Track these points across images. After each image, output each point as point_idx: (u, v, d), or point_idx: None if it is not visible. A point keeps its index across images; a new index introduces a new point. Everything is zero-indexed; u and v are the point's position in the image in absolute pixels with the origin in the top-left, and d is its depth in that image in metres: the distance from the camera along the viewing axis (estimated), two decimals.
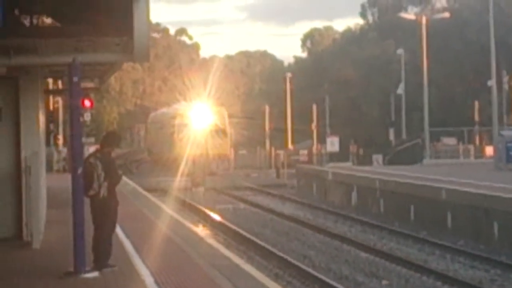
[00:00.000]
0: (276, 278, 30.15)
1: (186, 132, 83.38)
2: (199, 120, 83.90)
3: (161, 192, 69.62)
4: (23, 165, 28.69)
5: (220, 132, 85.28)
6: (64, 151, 69.07)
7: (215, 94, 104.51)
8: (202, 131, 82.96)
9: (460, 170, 63.58)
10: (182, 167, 76.00)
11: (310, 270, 33.83)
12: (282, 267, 35.24)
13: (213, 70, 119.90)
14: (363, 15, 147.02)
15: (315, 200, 67.01)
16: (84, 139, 26.95)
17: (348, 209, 59.70)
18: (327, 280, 31.43)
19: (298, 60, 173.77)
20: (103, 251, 22.89)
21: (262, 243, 41.59)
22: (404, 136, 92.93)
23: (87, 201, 22.62)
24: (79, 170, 22.33)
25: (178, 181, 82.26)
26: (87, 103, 54.97)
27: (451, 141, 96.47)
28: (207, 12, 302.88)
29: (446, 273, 33.44)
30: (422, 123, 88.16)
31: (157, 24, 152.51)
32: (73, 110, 24.41)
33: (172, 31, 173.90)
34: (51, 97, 56.51)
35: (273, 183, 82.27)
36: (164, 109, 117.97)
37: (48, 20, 30.45)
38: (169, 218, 38.55)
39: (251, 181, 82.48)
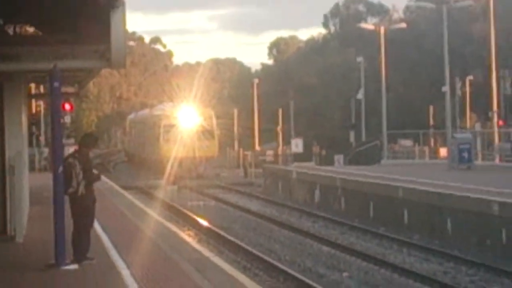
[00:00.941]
0: (244, 270, 30.53)
1: (173, 133, 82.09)
2: (186, 121, 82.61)
3: (137, 190, 71.04)
4: (7, 165, 29.70)
5: (207, 133, 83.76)
6: (45, 151, 69.21)
7: (187, 97, 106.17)
8: (189, 132, 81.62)
9: (415, 170, 64.87)
10: (168, 169, 75.97)
11: (276, 263, 34.74)
12: (249, 260, 36.10)
13: (185, 76, 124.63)
14: (325, 25, 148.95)
15: (281, 198, 67.92)
16: (64, 140, 28.05)
17: (311, 206, 60.78)
18: (292, 272, 32.29)
19: (265, 67, 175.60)
20: (82, 245, 23.65)
21: (231, 238, 42.55)
22: (363, 138, 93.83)
23: (66, 198, 23.44)
24: (60, 169, 23.18)
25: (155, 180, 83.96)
26: (67, 106, 55.72)
27: (407, 143, 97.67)
28: (181, 22, 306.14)
29: (402, 265, 34.46)
30: (381, 126, 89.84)
31: (133, 33, 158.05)
32: (54, 113, 25.52)
33: (147, 40, 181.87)
34: (33, 101, 55.89)
35: (241, 182, 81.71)
36: (145, 111, 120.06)
37: (30, 29, 31.03)
38: (144, 215, 39.35)
39: (221, 180, 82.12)
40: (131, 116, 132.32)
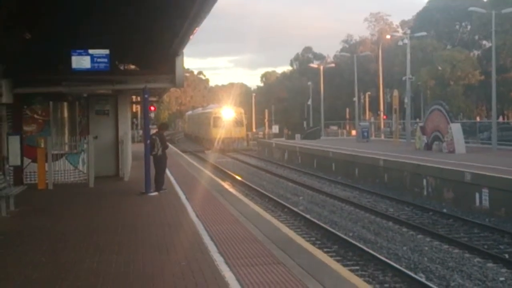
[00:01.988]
0: (245, 195, 29.54)
1: (219, 122, 77.53)
2: (227, 115, 78.50)
3: (189, 153, 67.15)
4: (119, 139, 29.74)
5: (239, 123, 79.07)
6: (140, 132, 67.48)
7: (220, 102, 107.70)
8: (228, 122, 77.33)
9: (338, 142, 60.34)
10: (215, 144, 74.86)
11: (263, 191, 34.78)
12: (249, 190, 35.94)
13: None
14: (291, 65, 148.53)
15: (266, 157, 65.76)
16: (150, 126, 27.97)
17: (283, 162, 58.83)
18: (272, 196, 32.70)
19: (258, 87, 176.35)
20: (159, 181, 23.61)
21: (238, 178, 42.62)
22: (311, 125, 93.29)
23: (151, 157, 23.43)
24: (148, 141, 23.40)
25: (200, 148, 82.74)
26: (152, 108, 50.82)
27: (334, 128, 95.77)
28: (213, 62, 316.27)
29: (331, 193, 34.22)
30: (320, 119, 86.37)
31: (187, 69, 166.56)
32: (145, 112, 25.73)
33: (195, 72, 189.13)
34: (134, 105, 54.26)
35: (245, 149, 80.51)
36: (199, 109, 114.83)
37: (132, 66, 30.75)
38: (191, 165, 38.98)
39: (233, 148, 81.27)
40: (189, 113, 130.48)
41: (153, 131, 25.99)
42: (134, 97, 42.17)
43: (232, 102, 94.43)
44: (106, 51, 23.31)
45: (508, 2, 71.71)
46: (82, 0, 18.12)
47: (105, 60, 23.29)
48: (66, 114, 28.97)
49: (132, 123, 55.84)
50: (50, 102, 28.05)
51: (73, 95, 28.07)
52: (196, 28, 17.57)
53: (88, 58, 23.11)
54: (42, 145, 25.82)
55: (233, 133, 77.34)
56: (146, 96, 24.33)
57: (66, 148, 27.92)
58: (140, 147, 28.47)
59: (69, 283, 10.98)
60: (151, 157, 23.60)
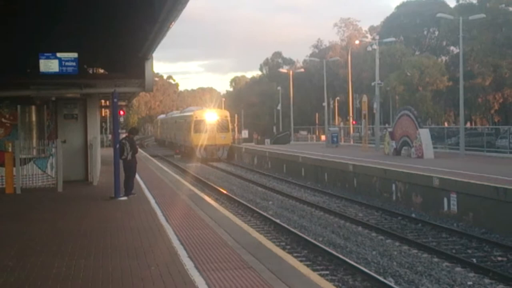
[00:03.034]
0: (216, 200, 30.13)
1: (201, 127, 66.78)
2: (210, 119, 67.61)
3: (159, 157, 66.63)
4: (88, 143, 29.55)
5: (224, 128, 67.65)
6: (109, 136, 66.04)
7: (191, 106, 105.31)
8: (211, 127, 66.67)
9: (308, 147, 61.63)
10: (197, 152, 65.71)
11: (233, 196, 34.81)
12: (218, 195, 36.02)
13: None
14: (261, 70, 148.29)
15: (236, 162, 65.72)
16: (119, 131, 27.65)
17: (252, 166, 58.91)
18: (241, 201, 32.66)
19: (228, 92, 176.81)
20: (129, 186, 23.64)
21: (209, 183, 42.09)
22: (280, 129, 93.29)
23: (121, 161, 23.47)
24: (117, 146, 23.36)
25: (169, 152, 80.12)
26: (121, 112, 50.91)
27: (304, 133, 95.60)
28: (184, 67, 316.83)
29: (301, 198, 34.35)
30: (290, 124, 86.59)
31: (157, 73, 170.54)
32: (114, 116, 25.28)
33: (165, 76, 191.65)
34: (103, 109, 53.88)
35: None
36: (174, 113, 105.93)
37: (101, 70, 30.03)
38: (161, 170, 38.76)
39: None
40: (161, 116, 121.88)
41: (123, 135, 25.97)
42: (103, 101, 42.22)
43: (206, 107, 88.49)
44: (74, 55, 23.14)
45: (475, 8, 72.52)
46: (50, 3, 18.03)
47: (74, 63, 23.13)
48: (34, 118, 28.72)
49: (101, 127, 55.43)
50: (18, 106, 27.89)
51: (41, 99, 27.89)
52: (172, 23, 17.42)
53: (56, 62, 22.94)
54: (10, 149, 25.80)
55: (217, 139, 67.24)
56: (115, 100, 24.14)
57: (34, 153, 27.63)
58: (110, 151, 28.56)
59: None
60: (121, 162, 23.54)
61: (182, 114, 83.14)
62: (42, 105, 28.62)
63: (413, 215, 27.82)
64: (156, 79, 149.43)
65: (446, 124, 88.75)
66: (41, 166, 27.43)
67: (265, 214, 28.15)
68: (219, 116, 69.38)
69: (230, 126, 70.48)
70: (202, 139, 65.99)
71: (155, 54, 25.48)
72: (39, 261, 12.87)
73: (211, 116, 68.53)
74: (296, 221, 26.91)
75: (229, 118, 69.85)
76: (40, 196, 24.56)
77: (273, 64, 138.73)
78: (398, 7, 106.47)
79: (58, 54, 23.00)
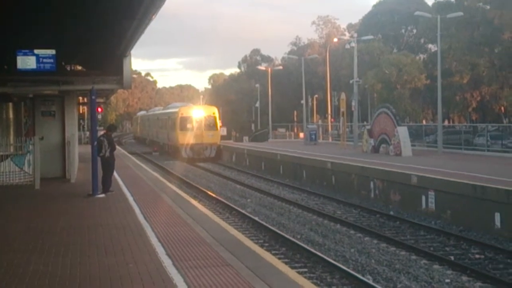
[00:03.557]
0: (193, 197, 29.02)
1: (187, 124, 62.05)
2: (197, 115, 62.83)
3: (137, 155, 65.23)
4: (66, 140, 29.53)
5: (212, 125, 62.65)
6: (87, 133, 64.88)
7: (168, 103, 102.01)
8: (199, 124, 62.04)
9: (286, 144, 61.36)
10: (183, 151, 61.44)
11: (211, 193, 34.93)
12: (196, 192, 35.95)
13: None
14: (239, 67, 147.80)
15: (214, 159, 63.08)
16: (97, 128, 27.61)
17: (231, 164, 58.69)
18: (220, 198, 32.69)
19: (207, 89, 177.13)
20: (107, 183, 23.74)
21: (188, 180, 42.00)
22: (259, 127, 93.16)
23: (99, 159, 23.51)
24: (95, 143, 23.51)
25: (148, 149, 78.88)
26: (99, 110, 49.65)
27: (282, 130, 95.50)
28: (162, 64, 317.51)
29: (279, 195, 34.48)
30: (268, 121, 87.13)
31: (135, 70, 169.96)
32: (92, 113, 25.68)
33: (143, 74, 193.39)
34: (81, 106, 53.39)
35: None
36: (156, 109, 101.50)
37: (79, 67, 30.88)
38: (139, 167, 39.00)
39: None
40: (141, 113, 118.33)
41: (101, 132, 26.03)
42: (81, 98, 41.94)
43: (192, 103, 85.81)
44: (52, 52, 23.18)
45: (452, 6, 72.91)
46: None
47: (51, 60, 23.16)
48: (11, 115, 28.90)
49: (79, 124, 55.11)
50: None
51: (19, 95, 27.96)
52: (152, 18, 17.39)
53: (33, 58, 22.97)
54: None
55: (205, 138, 62.37)
56: (93, 97, 24.29)
57: (12, 149, 27.51)
58: (87, 148, 28.81)
59: (14, 286, 10.81)
60: (99, 159, 23.56)
61: (166, 111, 77.93)
62: (19, 102, 28.77)
63: (391, 213, 27.90)
64: (134, 76, 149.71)
65: (424, 122, 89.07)
66: (18, 163, 27.18)
67: (243, 211, 28.20)
68: (207, 112, 64.83)
69: (219, 124, 65.23)
70: (188, 138, 61.91)
71: (133, 51, 25.57)
72: (16, 259, 12.82)
73: (198, 113, 64.07)
74: (274, 219, 26.92)
75: (217, 115, 64.81)
76: (17, 193, 24.51)
77: (252, 61, 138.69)
78: (375, 5, 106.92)
79: (36, 51, 23.01)
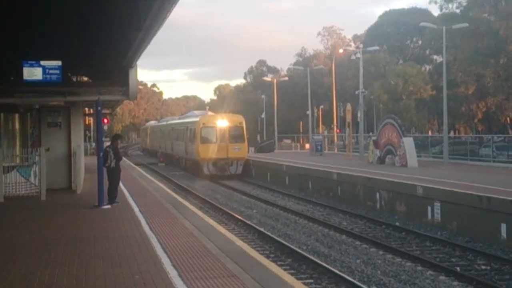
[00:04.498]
0: (199, 208, 28.76)
1: (210, 136, 54.25)
2: (221, 125, 54.53)
3: (143, 165, 64.82)
4: (72, 151, 29.69)
5: (239, 137, 54.88)
6: (93, 144, 64.08)
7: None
8: (223, 136, 53.98)
9: (292, 155, 60.87)
10: (205, 168, 53.66)
11: (217, 204, 34.81)
12: (202, 203, 36.03)
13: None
14: (245, 78, 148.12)
15: None
16: (104, 139, 27.68)
17: (238, 175, 54.22)
18: (225, 209, 32.72)
19: (212, 100, 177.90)
20: (112, 194, 23.80)
21: (192, 191, 42.16)
22: (265, 138, 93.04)
23: (105, 169, 23.59)
24: (101, 154, 23.60)
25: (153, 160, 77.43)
26: (105, 121, 50.65)
27: (288, 141, 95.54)
28: (168, 75, 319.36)
29: (285, 206, 34.45)
30: (274, 132, 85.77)
31: (141, 81, 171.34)
32: (98, 124, 25.88)
33: (149, 85, 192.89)
34: (87, 117, 53.25)
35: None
36: (169, 118, 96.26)
37: (85, 78, 30.87)
38: (145, 178, 38.95)
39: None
40: (152, 123, 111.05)
41: (107, 143, 26.00)
42: (87, 109, 41.96)
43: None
44: (58, 63, 23.08)
45: (458, 18, 72.80)
46: (34, 11, 17.97)
47: (57, 71, 23.05)
48: (17, 126, 28.86)
49: (85, 135, 54.93)
50: (1, 113, 27.84)
51: (25, 106, 27.91)
52: (160, 26, 17.32)
53: (40, 69, 22.87)
54: None
55: (230, 151, 54.03)
56: (99, 108, 24.31)
57: (18, 161, 27.58)
58: (93, 159, 28.25)
59: None
60: (105, 170, 23.59)
61: (183, 120, 68.81)
62: (25, 113, 28.73)
63: (397, 224, 27.87)
64: (140, 87, 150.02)
65: (430, 133, 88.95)
66: (25, 174, 27.22)
67: (249, 222, 28.15)
68: (232, 122, 55.94)
69: (246, 135, 57.30)
70: (211, 152, 53.70)
71: (139, 62, 25.43)
72: (22, 270, 12.82)
73: (222, 122, 55.13)
74: (280, 230, 26.89)
75: (244, 125, 56.70)
76: (23, 204, 24.48)
77: (258, 72, 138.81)
78: (381, 16, 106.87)
79: (42, 62, 22.93)
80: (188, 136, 59.66)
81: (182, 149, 62.83)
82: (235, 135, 54.85)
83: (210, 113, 66.41)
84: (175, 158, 68.80)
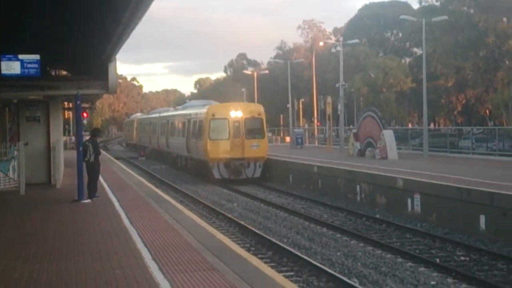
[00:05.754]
0: (179, 202, 28.71)
1: (222, 130, 43.55)
2: (236, 116, 43.71)
3: (123, 160, 63.37)
4: (51, 145, 29.48)
5: (258, 131, 44.53)
6: (73, 138, 63.84)
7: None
8: (237, 130, 43.34)
9: (273, 149, 55.55)
10: (215, 171, 43.06)
11: (198, 198, 34.88)
12: (182, 197, 35.92)
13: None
14: (225, 71, 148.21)
15: None
16: (83, 133, 27.61)
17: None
18: (206, 203, 32.82)
19: (192, 94, 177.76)
20: (92, 189, 23.82)
21: (174, 185, 41.80)
22: None
23: (84, 164, 23.51)
24: (80, 148, 23.49)
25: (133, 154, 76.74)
26: (84, 115, 49.11)
27: (269, 134, 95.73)
28: (148, 68, 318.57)
29: (266, 199, 34.44)
30: None
31: (121, 75, 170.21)
32: (77, 118, 25.92)
33: (129, 78, 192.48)
34: (66, 111, 53.34)
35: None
36: (165, 109, 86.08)
37: (64, 72, 30.22)
38: (125, 172, 38.97)
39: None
40: (137, 115, 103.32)
41: (86, 137, 26.06)
42: (66, 103, 41.84)
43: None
44: (36, 56, 22.98)
45: (437, 10, 73.08)
46: (12, 3, 17.87)
47: (36, 65, 22.94)
48: None
49: (65, 129, 54.81)
50: None
51: (3, 101, 27.88)
52: (139, 20, 17.33)
53: (18, 63, 22.73)
54: None
55: (246, 150, 43.43)
56: (78, 102, 24.30)
57: None
58: (73, 154, 28.63)
59: None
60: (84, 164, 23.59)
61: (184, 112, 55.97)
62: (3, 107, 28.67)
63: (378, 216, 27.97)
64: (120, 80, 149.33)
65: (410, 125, 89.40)
66: (3, 169, 27.16)
67: (230, 216, 28.19)
68: (249, 113, 45.06)
69: (266, 129, 47.68)
70: (223, 150, 43.35)
71: (119, 56, 25.46)
72: (1, 265, 12.82)
73: (236, 113, 44.23)
74: (261, 223, 26.96)
75: (264, 116, 46.04)
76: (2, 199, 24.39)
77: (238, 65, 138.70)
78: (361, 9, 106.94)
79: (20, 56, 22.80)
80: (191, 131, 49.20)
81: (181, 146, 52.62)
82: (252, 129, 44.51)
83: (225, 102, 53.39)
84: (171, 156, 59.97)
